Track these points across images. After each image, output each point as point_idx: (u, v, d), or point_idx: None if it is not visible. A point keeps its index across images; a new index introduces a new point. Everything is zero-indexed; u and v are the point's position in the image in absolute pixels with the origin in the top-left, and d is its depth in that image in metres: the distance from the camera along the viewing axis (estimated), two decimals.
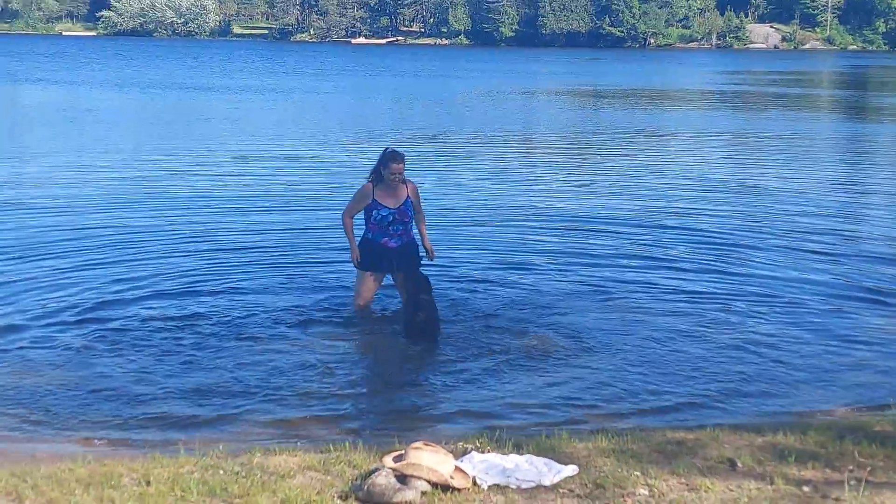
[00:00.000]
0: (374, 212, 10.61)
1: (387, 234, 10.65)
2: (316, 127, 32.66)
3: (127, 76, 60.42)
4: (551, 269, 12.96)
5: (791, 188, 20.82)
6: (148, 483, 6.04)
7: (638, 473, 6.33)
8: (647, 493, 6.04)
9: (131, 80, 56.14)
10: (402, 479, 5.99)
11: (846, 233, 15.93)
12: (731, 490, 6.08)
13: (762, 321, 10.80)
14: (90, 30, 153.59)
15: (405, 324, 10.23)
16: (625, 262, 13.48)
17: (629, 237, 15.10)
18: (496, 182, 21.00)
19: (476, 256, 13.67)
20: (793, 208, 18.07)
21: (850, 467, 6.42)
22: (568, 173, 23.20)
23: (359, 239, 10.79)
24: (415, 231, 10.89)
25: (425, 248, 10.85)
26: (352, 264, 10.86)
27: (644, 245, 14.52)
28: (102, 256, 13.35)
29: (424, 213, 10.99)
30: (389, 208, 10.59)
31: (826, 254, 14.18)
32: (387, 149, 10.78)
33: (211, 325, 10.38)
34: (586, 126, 34.53)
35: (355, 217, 10.77)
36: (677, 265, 13.31)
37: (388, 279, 10.92)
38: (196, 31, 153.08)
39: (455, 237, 14.81)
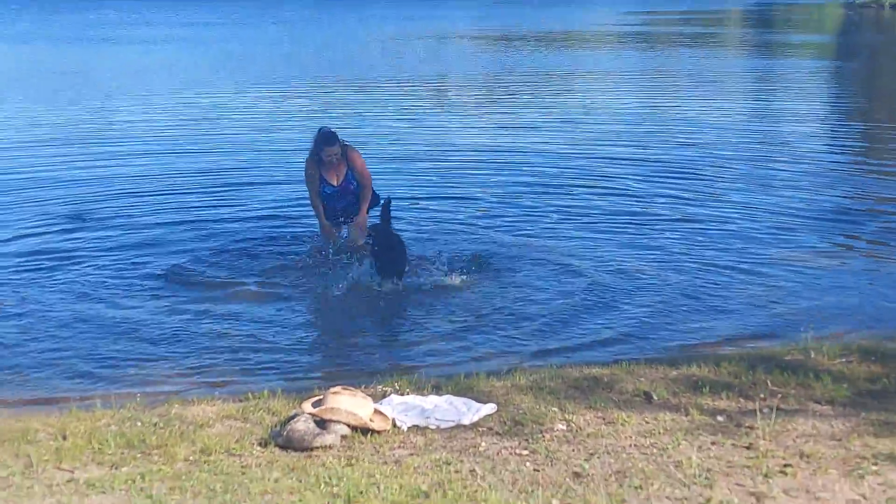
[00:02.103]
0: (322, 188, 11.00)
1: (334, 205, 11.09)
2: (227, 75, 32.20)
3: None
4: (471, 211, 12.99)
5: (703, 120, 21.15)
6: (64, 437, 5.97)
7: (556, 409, 6.39)
8: (565, 427, 6.10)
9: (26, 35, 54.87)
10: (322, 423, 5.99)
11: (762, 163, 16.20)
12: (647, 422, 6.16)
13: (677, 254, 10.95)
14: None
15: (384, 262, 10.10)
16: (542, 197, 13.59)
17: (546, 174, 15.24)
18: (414, 127, 20.94)
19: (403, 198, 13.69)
20: (707, 138, 18.35)
21: (763, 396, 6.54)
22: (484, 115, 23.24)
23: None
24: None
25: (360, 220, 11.02)
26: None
27: (560, 183, 14.62)
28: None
29: (370, 182, 11.11)
30: (333, 186, 10.99)
31: (745, 183, 14.43)
32: (320, 129, 11.03)
33: (126, 278, 10.24)
34: (498, 70, 34.48)
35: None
36: (593, 202, 13.43)
37: None
38: None
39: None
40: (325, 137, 10.82)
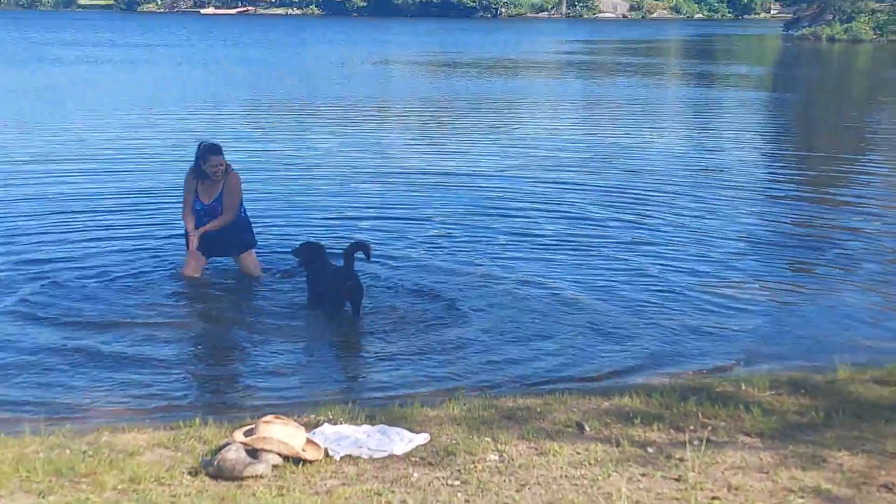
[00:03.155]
0: (194, 203, 10.88)
1: (202, 223, 10.88)
2: (166, 98, 32.01)
3: None
4: (415, 234, 13.02)
5: (645, 147, 21.48)
6: None
7: (488, 439, 6.41)
8: (497, 458, 6.12)
9: None
10: (253, 453, 5.97)
11: (703, 190, 16.41)
12: (579, 453, 6.20)
13: (616, 281, 11.05)
14: None
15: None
16: (486, 220, 13.75)
17: (491, 197, 15.39)
18: (359, 148, 21.00)
19: (335, 220, 13.70)
20: (649, 165, 18.61)
21: (693, 428, 6.60)
22: (429, 137, 23.38)
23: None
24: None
25: (194, 233, 10.86)
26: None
27: (504, 206, 14.74)
28: None
29: (235, 208, 10.89)
30: (203, 203, 10.85)
31: (686, 212, 14.60)
32: (201, 143, 10.89)
33: (51, 301, 10.13)
34: (441, 94, 34.58)
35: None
36: (537, 227, 13.57)
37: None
38: (38, 1, 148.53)
39: (304, 202, 14.88)
40: (211, 146, 10.75)
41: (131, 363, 8.57)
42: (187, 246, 10.90)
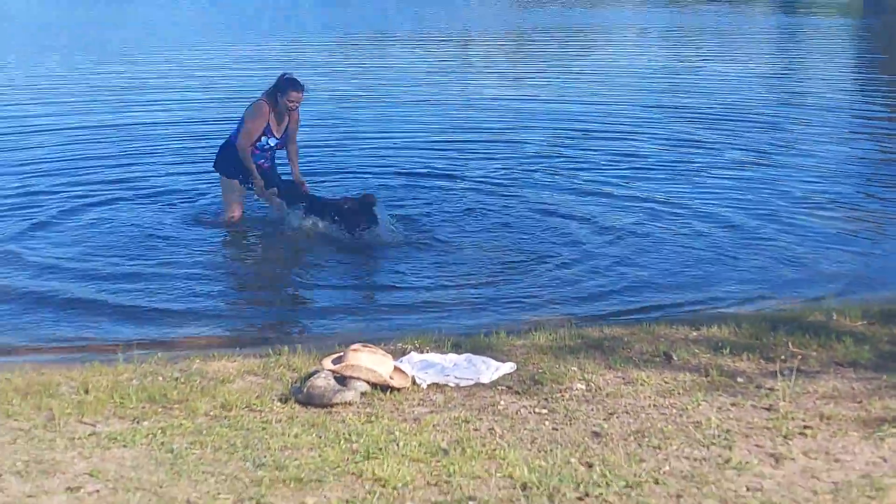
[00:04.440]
0: (263, 138, 10.30)
1: (264, 157, 10.42)
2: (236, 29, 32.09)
3: None
4: (494, 174, 12.96)
5: (728, 74, 21.16)
6: (86, 391, 5.99)
7: (575, 368, 6.39)
8: (584, 387, 6.09)
9: None
10: (342, 380, 6.01)
11: (793, 122, 16.11)
12: (667, 382, 6.15)
13: (702, 212, 10.94)
14: None
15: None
16: (564, 163, 13.54)
17: (567, 134, 15.19)
18: (442, 78, 21.03)
19: (417, 160, 13.70)
20: (738, 95, 18.32)
21: (783, 357, 6.52)
22: (512, 68, 23.30)
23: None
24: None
25: (298, 181, 10.58)
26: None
27: (597, 133, 14.68)
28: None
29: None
30: (277, 138, 10.35)
31: (776, 141, 14.37)
32: (284, 74, 10.36)
33: (142, 232, 10.29)
34: (527, 25, 34.31)
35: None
36: (606, 170, 13.34)
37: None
38: None
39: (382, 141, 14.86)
40: (294, 81, 10.20)
41: (218, 296, 8.73)
42: (257, 186, 10.42)
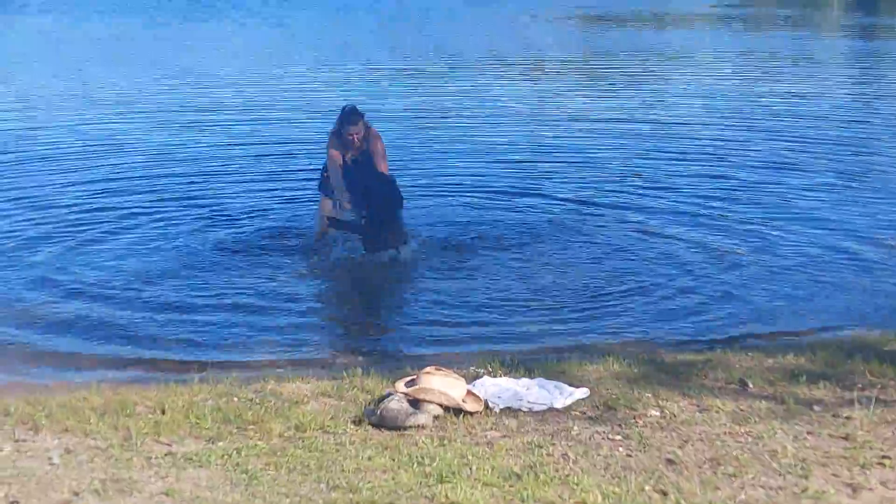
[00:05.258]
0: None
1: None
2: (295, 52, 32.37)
3: None
4: (561, 198, 12.94)
5: (800, 100, 21.02)
6: (163, 411, 6.07)
7: (649, 395, 6.35)
8: (658, 414, 6.06)
9: None
10: (415, 403, 6.03)
11: (868, 150, 15.92)
12: (742, 410, 6.09)
13: (775, 238, 10.83)
14: None
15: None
16: (632, 189, 13.44)
17: (645, 162, 15.13)
18: (520, 99, 21.16)
19: (485, 179, 13.77)
20: (816, 120, 18.18)
21: (861, 386, 6.44)
22: (586, 89, 23.34)
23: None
24: None
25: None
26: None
27: (653, 171, 14.54)
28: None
29: (387, 169, 10.57)
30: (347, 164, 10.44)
31: (850, 170, 14.22)
32: (345, 108, 10.57)
33: (212, 259, 10.35)
34: (597, 47, 34.28)
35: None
36: (685, 191, 13.23)
37: None
38: None
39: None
40: (348, 115, 10.38)
41: (292, 315, 8.77)
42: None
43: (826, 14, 56.45)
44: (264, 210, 12.12)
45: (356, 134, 10.30)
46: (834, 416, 6.00)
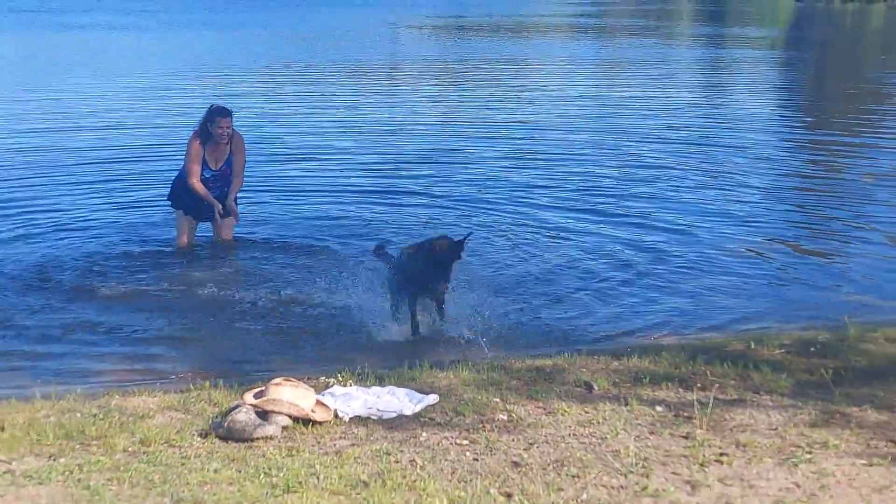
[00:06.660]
0: (203, 170, 10.62)
1: (208, 188, 10.68)
2: (182, 64, 31.96)
3: None
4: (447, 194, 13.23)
5: (652, 106, 21.56)
6: (2, 428, 5.91)
7: (497, 400, 6.42)
8: (505, 418, 6.12)
9: None
10: (263, 414, 5.99)
11: (717, 156, 16.38)
12: (587, 412, 6.20)
13: (625, 244, 11.04)
14: None
15: None
16: (498, 195, 13.60)
17: (503, 166, 15.34)
18: (371, 107, 21.25)
19: (348, 189, 13.79)
20: (663, 129, 18.67)
21: (702, 387, 6.59)
22: (438, 103, 23.47)
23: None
24: None
25: (228, 206, 10.77)
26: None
27: (522, 163, 14.86)
28: None
29: (243, 170, 10.84)
30: (212, 170, 10.62)
31: (698, 175, 14.63)
32: (212, 105, 10.72)
33: (61, 268, 10.17)
34: (455, 55, 34.53)
35: None
36: (550, 195, 13.48)
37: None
38: None
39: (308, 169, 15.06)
40: (221, 109, 10.56)
41: (139, 330, 8.64)
42: (216, 210, 10.71)
43: (677, 24, 57.83)
44: (114, 220, 11.94)
45: (227, 127, 10.43)
46: (675, 416, 6.14)
